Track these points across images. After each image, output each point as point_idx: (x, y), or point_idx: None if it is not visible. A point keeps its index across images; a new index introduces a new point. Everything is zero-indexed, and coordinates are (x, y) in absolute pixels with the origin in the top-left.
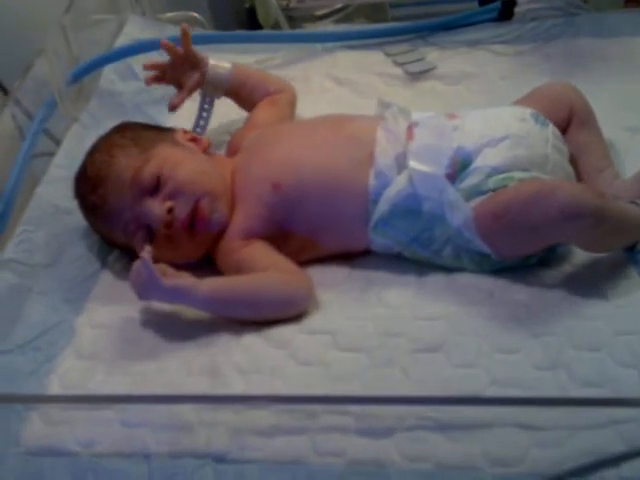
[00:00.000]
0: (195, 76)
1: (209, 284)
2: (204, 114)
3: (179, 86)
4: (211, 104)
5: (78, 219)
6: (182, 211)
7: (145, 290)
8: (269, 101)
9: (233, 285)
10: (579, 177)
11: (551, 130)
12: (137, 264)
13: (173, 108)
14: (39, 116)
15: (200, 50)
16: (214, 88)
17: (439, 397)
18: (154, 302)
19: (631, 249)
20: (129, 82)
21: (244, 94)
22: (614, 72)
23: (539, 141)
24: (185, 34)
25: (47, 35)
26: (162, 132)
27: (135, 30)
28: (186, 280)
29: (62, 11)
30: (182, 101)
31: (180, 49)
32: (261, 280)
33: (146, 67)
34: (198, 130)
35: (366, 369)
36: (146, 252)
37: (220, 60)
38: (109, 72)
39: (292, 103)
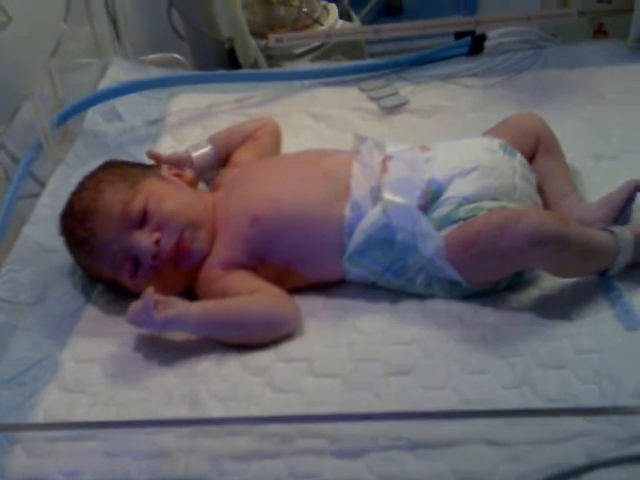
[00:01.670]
0: (189, 174)
1: (199, 308)
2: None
3: None
4: (213, 178)
5: (63, 257)
6: (168, 242)
7: (141, 325)
8: (250, 139)
9: (223, 307)
10: (546, 203)
11: (519, 159)
12: (135, 305)
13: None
14: (25, 159)
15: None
16: (209, 170)
17: (406, 412)
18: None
19: (603, 274)
20: (113, 123)
21: (232, 153)
22: (580, 101)
23: (507, 171)
24: (154, 156)
25: (33, 79)
26: (147, 168)
27: (118, 72)
28: (176, 308)
29: (47, 56)
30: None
31: (162, 156)
32: (250, 302)
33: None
34: None
35: (340, 393)
36: (148, 293)
37: (198, 144)
38: (93, 113)
39: (274, 133)
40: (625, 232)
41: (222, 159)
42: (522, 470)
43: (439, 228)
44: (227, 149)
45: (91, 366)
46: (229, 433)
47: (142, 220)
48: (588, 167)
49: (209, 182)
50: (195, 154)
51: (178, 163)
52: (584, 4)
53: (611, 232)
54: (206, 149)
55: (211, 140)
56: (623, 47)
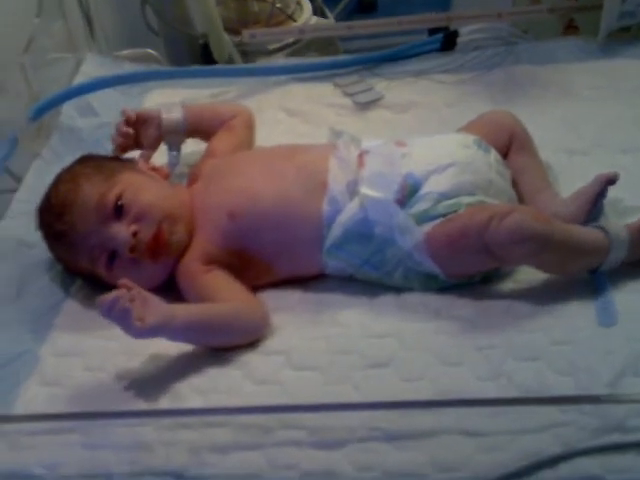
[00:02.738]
0: (152, 133)
1: (182, 318)
2: (173, 160)
3: (142, 147)
4: (178, 150)
5: (41, 252)
6: (146, 235)
7: (119, 325)
8: (226, 128)
9: (204, 317)
10: (520, 198)
11: (493, 155)
12: (110, 296)
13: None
14: (0, 155)
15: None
16: (175, 136)
17: (384, 402)
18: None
19: (594, 271)
20: (88, 118)
21: (202, 130)
22: (552, 97)
23: (483, 166)
24: (124, 111)
25: (7, 74)
26: (124, 162)
27: (92, 68)
28: (158, 318)
29: (20, 51)
30: (149, 159)
31: (132, 111)
32: (230, 311)
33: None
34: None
35: (319, 386)
36: (125, 291)
37: (171, 108)
38: (69, 109)
39: (248, 124)
40: (620, 230)
41: (190, 130)
42: (498, 459)
43: (418, 223)
44: (199, 123)
45: (71, 360)
46: (209, 425)
47: (119, 212)
48: (561, 162)
49: (174, 151)
50: (165, 116)
51: (146, 119)
52: (554, 1)
53: (604, 230)
54: (177, 115)
55: (184, 108)
56: (592, 44)
